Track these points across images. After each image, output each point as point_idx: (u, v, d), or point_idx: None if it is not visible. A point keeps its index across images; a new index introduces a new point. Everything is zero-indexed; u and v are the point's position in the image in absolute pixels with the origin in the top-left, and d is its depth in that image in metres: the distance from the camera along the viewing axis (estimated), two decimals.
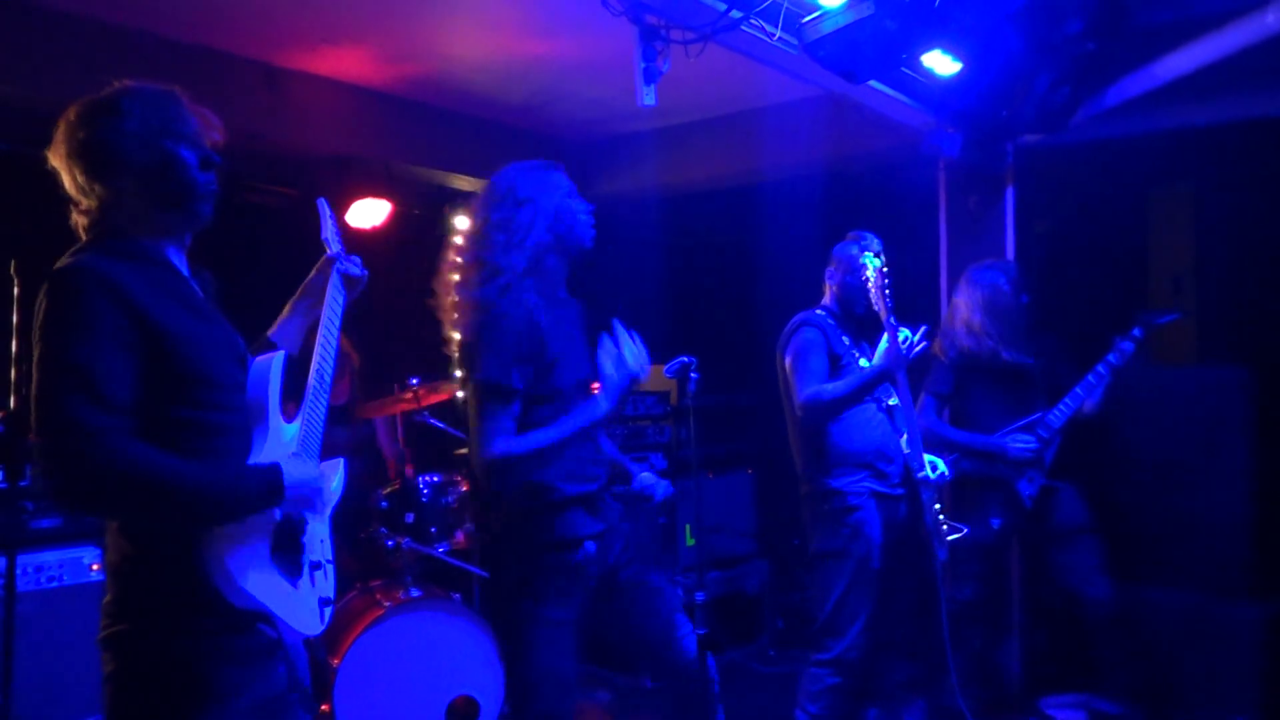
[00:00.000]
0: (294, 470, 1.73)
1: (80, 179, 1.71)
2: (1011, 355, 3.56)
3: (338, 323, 2.01)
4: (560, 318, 2.45)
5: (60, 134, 1.72)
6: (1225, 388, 3.78)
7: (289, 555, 1.75)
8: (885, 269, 3.07)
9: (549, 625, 2.34)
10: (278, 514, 1.72)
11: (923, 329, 3.08)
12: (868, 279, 3.07)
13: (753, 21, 2.95)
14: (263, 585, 1.67)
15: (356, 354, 4.50)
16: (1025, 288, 3.60)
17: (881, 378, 3.05)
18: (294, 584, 1.76)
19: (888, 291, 3.05)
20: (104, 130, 1.69)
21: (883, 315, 3.04)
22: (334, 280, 2.04)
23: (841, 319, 3.29)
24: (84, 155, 1.70)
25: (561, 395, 2.37)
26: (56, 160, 1.73)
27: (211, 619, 1.63)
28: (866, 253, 3.12)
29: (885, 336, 3.04)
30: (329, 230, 2.11)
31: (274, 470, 1.70)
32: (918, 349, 3.05)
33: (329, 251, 2.09)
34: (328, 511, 1.94)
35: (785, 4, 2.95)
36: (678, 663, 2.50)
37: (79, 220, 1.74)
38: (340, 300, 2.04)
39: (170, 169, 1.72)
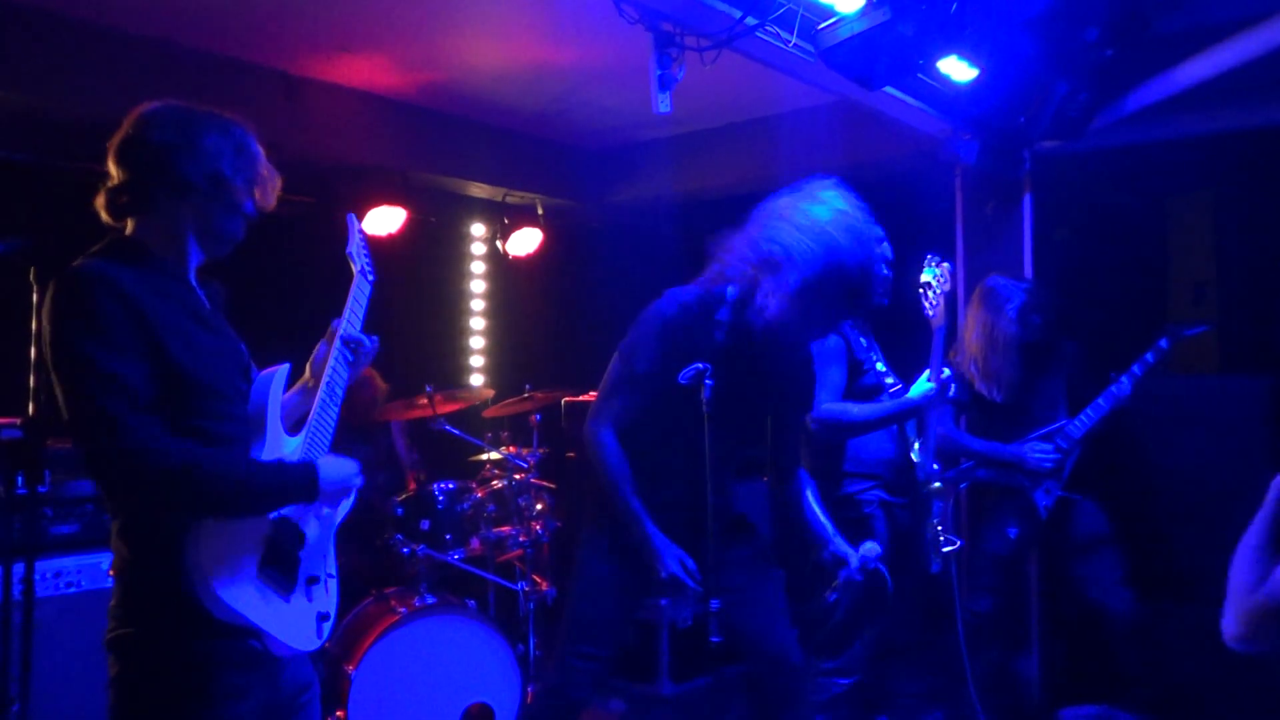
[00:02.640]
0: (329, 469, 1.79)
1: (132, 174, 1.73)
2: (985, 389, 3.53)
3: (345, 379, 1.97)
4: None
5: (132, 126, 1.74)
6: (1248, 398, 3.74)
7: (281, 569, 1.73)
8: (945, 280, 3.01)
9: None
10: (267, 526, 1.72)
11: (950, 374, 3.04)
12: (930, 285, 3.01)
13: (768, 28, 2.94)
14: (246, 600, 1.65)
15: (384, 383, 4.48)
16: (1037, 308, 3.55)
17: (912, 413, 3.04)
18: (285, 599, 1.74)
19: (947, 296, 2.98)
20: (180, 139, 1.72)
21: (935, 323, 2.97)
22: (338, 346, 1.97)
23: (861, 319, 3.25)
24: (149, 154, 1.71)
25: None
26: (115, 148, 1.74)
27: (204, 625, 1.63)
28: (933, 267, 3.07)
29: (927, 373, 2.99)
30: (355, 245, 2.10)
31: (310, 467, 1.75)
32: (953, 390, 3.02)
33: (353, 267, 2.07)
34: (334, 523, 1.93)
35: (800, 10, 2.94)
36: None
37: (107, 216, 1.76)
38: (344, 372, 1.97)
39: (220, 200, 1.76)
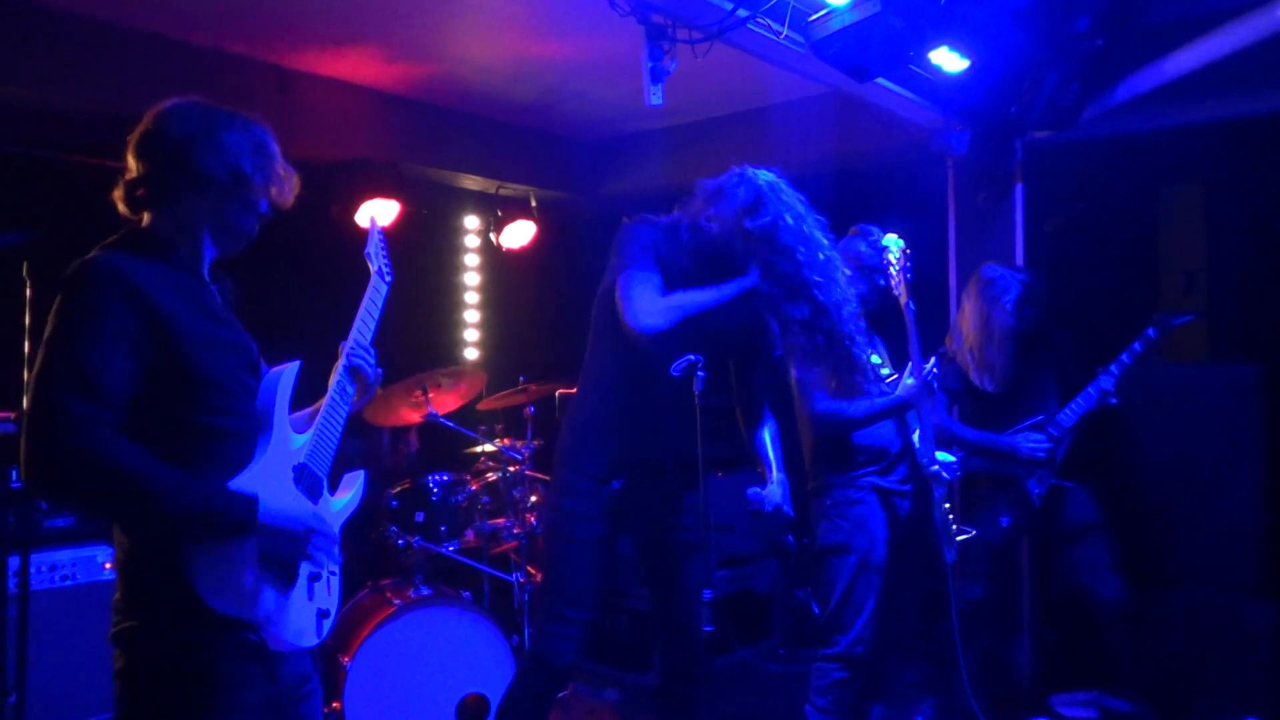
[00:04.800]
0: (277, 505, 1.69)
1: (151, 167, 1.73)
2: (978, 379, 3.55)
3: (367, 340, 1.98)
4: None
5: (153, 120, 1.75)
6: (1238, 385, 3.76)
7: (282, 565, 1.72)
8: (908, 250, 3.06)
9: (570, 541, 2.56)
10: (253, 545, 1.67)
11: (934, 359, 3.08)
12: (890, 263, 3.06)
13: (759, 20, 2.95)
14: (245, 594, 1.64)
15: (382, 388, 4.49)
16: (1033, 300, 3.56)
17: (902, 408, 3.06)
18: (286, 594, 1.73)
19: (909, 275, 3.03)
20: (201, 133, 1.73)
21: (902, 299, 3.02)
22: (342, 367, 1.96)
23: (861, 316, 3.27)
24: (169, 147, 1.72)
25: None
26: (135, 141, 1.75)
27: (206, 618, 1.62)
28: (888, 235, 3.12)
29: (909, 367, 3.02)
30: (373, 245, 2.09)
31: (250, 503, 1.64)
32: (936, 376, 3.06)
33: (371, 266, 2.08)
34: (341, 520, 1.93)
35: (792, 2, 2.95)
36: (683, 652, 2.62)
37: (124, 209, 1.77)
38: (349, 393, 1.96)
39: (237, 196, 1.77)
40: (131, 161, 1.76)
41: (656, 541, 2.71)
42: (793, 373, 3.21)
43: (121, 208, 1.77)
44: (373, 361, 1.99)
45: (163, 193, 1.74)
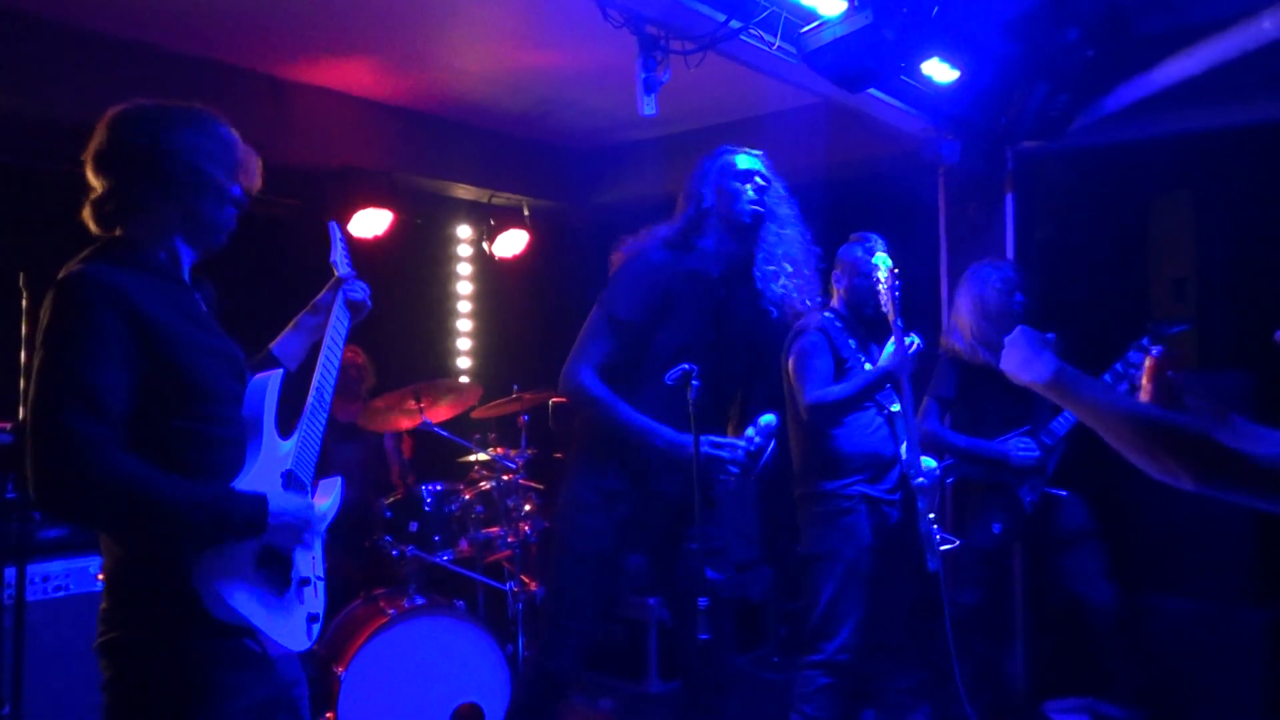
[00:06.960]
0: (281, 502, 1.74)
1: (113, 180, 1.72)
2: (987, 357, 3.56)
3: (340, 344, 2.04)
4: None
5: (103, 133, 1.73)
6: (1227, 393, 3.78)
7: (275, 570, 1.75)
8: (896, 270, 3.09)
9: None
10: (252, 550, 1.71)
11: (920, 343, 3.11)
12: (879, 279, 3.09)
13: (752, 31, 2.97)
14: (244, 599, 1.67)
15: (373, 374, 4.50)
16: (1020, 288, 3.59)
17: (886, 379, 3.08)
18: (279, 600, 1.75)
19: (897, 293, 3.06)
20: (153, 137, 1.71)
21: (891, 317, 3.05)
22: (339, 303, 2.07)
23: (849, 322, 3.29)
24: (125, 157, 1.71)
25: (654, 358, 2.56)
26: (91, 158, 1.74)
27: (201, 626, 1.63)
28: (878, 254, 3.15)
29: (892, 339, 3.05)
30: (338, 253, 2.13)
31: (260, 501, 1.69)
32: (920, 349, 3.08)
33: (338, 273, 2.11)
34: (321, 528, 1.95)
35: (784, 14, 2.97)
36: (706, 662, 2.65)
37: (96, 227, 1.76)
38: (344, 324, 2.07)
39: (204, 192, 1.76)
40: (93, 178, 1.74)
41: (668, 555, 2.73)
42: (789, 371, 3.22)
43: (93, 227, 1.75)
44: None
45: (133, 203, 1.73)
